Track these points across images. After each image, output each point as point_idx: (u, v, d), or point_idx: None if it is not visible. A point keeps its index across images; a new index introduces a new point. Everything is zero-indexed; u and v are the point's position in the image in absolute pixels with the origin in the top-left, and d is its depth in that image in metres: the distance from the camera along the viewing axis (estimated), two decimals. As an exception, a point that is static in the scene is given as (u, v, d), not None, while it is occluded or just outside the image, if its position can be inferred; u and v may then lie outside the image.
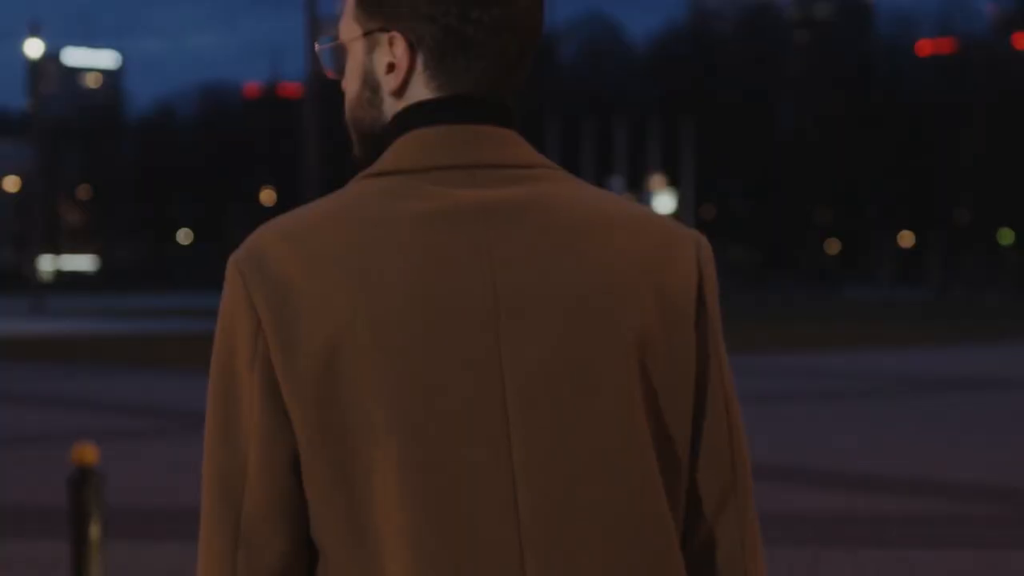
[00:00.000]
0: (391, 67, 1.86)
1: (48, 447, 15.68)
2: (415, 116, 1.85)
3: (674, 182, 77.30)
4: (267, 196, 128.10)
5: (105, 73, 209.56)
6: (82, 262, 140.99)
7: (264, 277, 1.76)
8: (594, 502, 1.76)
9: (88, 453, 7.63)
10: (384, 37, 1.86)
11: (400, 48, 1.85)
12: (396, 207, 1.78)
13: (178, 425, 18.06)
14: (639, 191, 72.76)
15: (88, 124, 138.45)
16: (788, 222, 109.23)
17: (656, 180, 72.53)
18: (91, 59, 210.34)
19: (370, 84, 1.89)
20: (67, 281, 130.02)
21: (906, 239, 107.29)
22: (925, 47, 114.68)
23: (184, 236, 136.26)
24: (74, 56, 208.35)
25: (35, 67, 67.19)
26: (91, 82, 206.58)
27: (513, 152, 1.84)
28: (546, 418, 1.75)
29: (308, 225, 1.78)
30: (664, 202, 70.62)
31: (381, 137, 1.89)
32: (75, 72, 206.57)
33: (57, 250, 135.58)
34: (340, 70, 1.94)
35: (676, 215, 72.23)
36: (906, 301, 69.70)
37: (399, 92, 1.87)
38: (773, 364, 27.69)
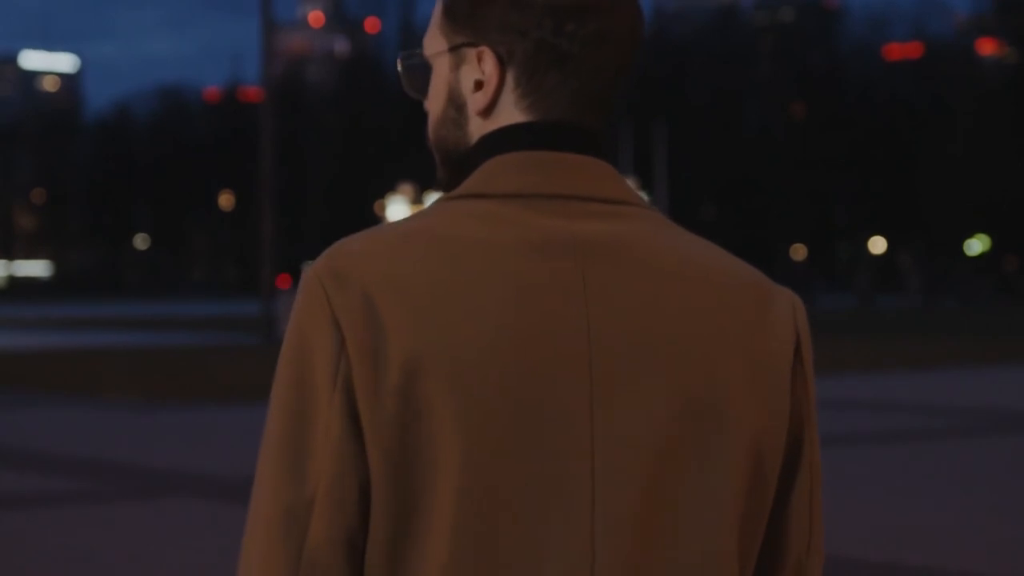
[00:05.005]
0: (479, 85, 1.76)
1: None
2: (505, 140, 1.75)
3: (646, 185, 75.64)
4: (226, 200, 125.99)
5: (63, 76, 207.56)
6: (36, 268, 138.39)
7: (347, 293, 1.64)
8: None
9: None
10: (472, 52, 1.76)
11: (489, 64, 1.75)
12: (485, 231, 1.68)
13: (99, 485, 14.56)
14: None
15: (45, 127, 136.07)
16: (760, 226, 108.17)
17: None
18: (49, 62, 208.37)
19: (455, 103, 1.79)
20: (20, 287, 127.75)
21: (876, 245, 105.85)
22: (894, 51, 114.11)
23: (141, 241, 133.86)
24: (31, 59, 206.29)
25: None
26: (48, 85, 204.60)
27: (608, 185, 1.74)
28: (637, 485, 1.66)
29: (391, 241, 1.68)
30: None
31: (466, 160, 1.78)
32: (32, 75, 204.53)
33: (10, 256, 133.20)
34: (423, 89, 1.84)
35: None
36: (891, 311, 67.88)
37: (487, 111, 1.76)
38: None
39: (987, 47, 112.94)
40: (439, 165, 1.82)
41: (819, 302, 77.85)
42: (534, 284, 1.66)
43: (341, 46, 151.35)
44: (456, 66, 1.77)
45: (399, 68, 1.85)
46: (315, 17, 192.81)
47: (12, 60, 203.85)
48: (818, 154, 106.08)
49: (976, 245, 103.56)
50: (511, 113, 1.75)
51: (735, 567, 1.71)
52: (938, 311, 67.03)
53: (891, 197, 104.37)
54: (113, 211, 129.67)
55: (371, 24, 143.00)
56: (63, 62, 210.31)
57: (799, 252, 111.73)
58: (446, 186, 1.81)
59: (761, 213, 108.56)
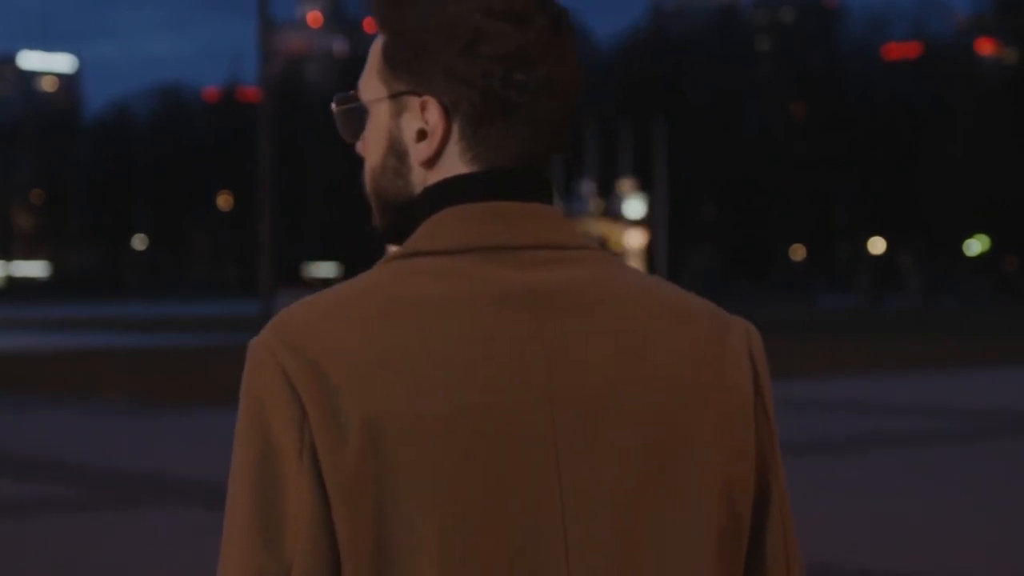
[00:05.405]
0: (422, 134, 1.70)
1: None
2: (452, 192, 1.69)
3: (646, 185, 75.58)
4: (225, 200, 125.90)
5: (61, 77, 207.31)
6: (35, 268, 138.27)
7: (299, 361, 1.60)
8: None
9: None
10: (415, 101, 1.70)
11: (434, 114, 1.69)
12: (441, 288, 1.63)
13: (97, 490, 14.29)
14: (610, 195, 70.88)
15: (44, 128, 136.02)
16: (760, 226, 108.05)
17: (626, 184, 70.56)
18: (47, 62, 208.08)
19: (396, 151, 1.73)
20: (19, 288, 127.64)
21: (876, 245, 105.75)
22: (893, 51, 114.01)
23: (141, 241, 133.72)
24: (30, 59, 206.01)
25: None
26: (47, 86, 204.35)
27: (558, 232, 1.70)
28: (608, 533, 1.63)
29: (340, 306, 1.63)
30: (635, 206, 68.52)
31: (408, 210, 1.73)
32: (31, 75, 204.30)
33: (9, 256, 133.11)
34: (356, 134, 1.78)
35: (647, 219, 70.25)
36: (891, 311, 67.77)
37: (430, 162, 1.70)
38: (808, 394, 22.28)
39: (987, 47, 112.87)
40: (377, 214, 1.75)
41: (819, 302, 77.83)
42: (491, 338, 1.61)
43: (340, 46, 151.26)
44: (397, 113, 1.71)
45: (334, 111, 1.78)
46: (313, 17, 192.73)
47: (11, 60, 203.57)
48: (818, 154, 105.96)
49: (976, 245, 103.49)
50: (455, 164, 1.69)
51: None
52: (938, 311, 67.00)
53: (891, 197, 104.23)
54: (112, 211, 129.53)
55: (369, 24, 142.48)
56: (62, 62, 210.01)
57: (799, 252, 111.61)
58: (388, 236, 1.75)
59: (761, 213, 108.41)
